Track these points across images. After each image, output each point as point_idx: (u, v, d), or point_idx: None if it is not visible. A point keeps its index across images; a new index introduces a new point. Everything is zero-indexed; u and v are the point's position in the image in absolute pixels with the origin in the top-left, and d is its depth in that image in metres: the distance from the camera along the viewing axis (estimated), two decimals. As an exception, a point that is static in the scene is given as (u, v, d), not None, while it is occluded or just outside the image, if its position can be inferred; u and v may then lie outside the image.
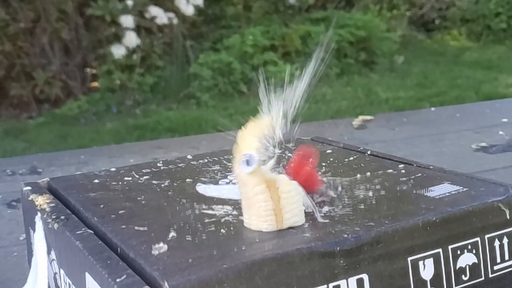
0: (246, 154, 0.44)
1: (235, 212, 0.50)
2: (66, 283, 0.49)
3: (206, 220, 0.48)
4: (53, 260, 0.53)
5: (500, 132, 1.45)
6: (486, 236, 0.48)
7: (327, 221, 0.46)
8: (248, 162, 0.44)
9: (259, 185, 0.45)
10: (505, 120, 1.62)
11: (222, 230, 0.46)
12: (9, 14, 2.33)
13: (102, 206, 0.54)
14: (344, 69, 2.76)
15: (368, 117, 1.85)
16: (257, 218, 0.46)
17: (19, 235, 0.89)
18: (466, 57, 3.23)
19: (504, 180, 0.55)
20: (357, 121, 1.81)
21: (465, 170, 0.62)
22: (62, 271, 0.50)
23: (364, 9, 3.09)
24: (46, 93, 2.39)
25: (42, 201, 0.56)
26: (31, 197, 0.58)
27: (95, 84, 2.47)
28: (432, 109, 2.07)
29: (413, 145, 1.42)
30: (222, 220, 0.48)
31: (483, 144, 1.34)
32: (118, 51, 2.35)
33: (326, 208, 0.49)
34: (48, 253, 0.54)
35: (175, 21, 2.48)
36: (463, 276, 0.46)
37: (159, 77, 2.47)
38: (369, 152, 0.68)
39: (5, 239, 0.91)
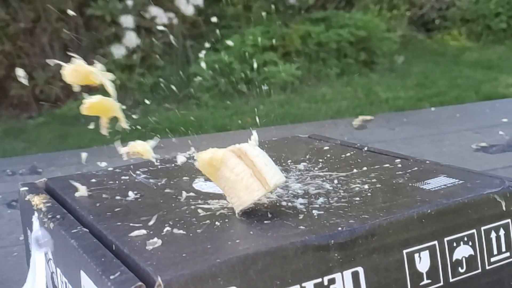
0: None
1: (230, 205, 0.50)
2: (62, 282, 0.49)
3: (201, 214, 0.48)
4: (50, 259, 0.53)
5: (500, 132, 1.45)
6: (482, 228, 0.48)
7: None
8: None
9: (231, 159, 0.46)
10: (505, 120, 1.62)
11: (216, 223, 0.46)
12: (9, 14, 2.34)
13: (98, 204, 0.54)
14: (344, 69, 2.76)
15: (368, 117, 1.85)
16: (246, 190, 0.46)
17: (19, 235, 0.89)
18: (466, 57, 3.23)
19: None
20: (357, 121, 1.81)
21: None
22: (58, 270, 0.50)
23: (364, 9, 3.08)
24: (46, 93, 2.39)
25: (38, 201, 0.56)
26: (28, 197, 0.59)
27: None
28: (432, 109, 2.07)
29: (413, 145, 1.42)
30: (217, 213, 0.48)
31: (483, 144, 1.34)
32: (118, 51, 2.35)
33: (321, 200, 0.49)
34: (45, 252, 0.54)
35: (175, 21, 2.48)
36: (459, 268, 0.46)
37: (159, 77, 2.47)
38: (366, 148, 0.68)
39: (5, 239, 0.91)
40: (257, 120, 0.64)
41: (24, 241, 0.65)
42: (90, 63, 0.55)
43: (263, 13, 2.55)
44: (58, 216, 0.51)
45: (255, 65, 2.45)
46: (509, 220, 0.49)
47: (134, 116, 0.63)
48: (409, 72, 2.86)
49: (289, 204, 0.49)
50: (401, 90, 2.48)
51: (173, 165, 0.68)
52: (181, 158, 0.63)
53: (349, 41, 2.78)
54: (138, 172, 0.65)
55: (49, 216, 0.52)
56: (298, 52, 2.70)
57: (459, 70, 2.90)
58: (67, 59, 0.55)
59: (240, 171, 0.46)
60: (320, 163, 0.63)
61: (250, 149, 0.47)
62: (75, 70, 0.52)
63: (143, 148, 0.54)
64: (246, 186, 0.46)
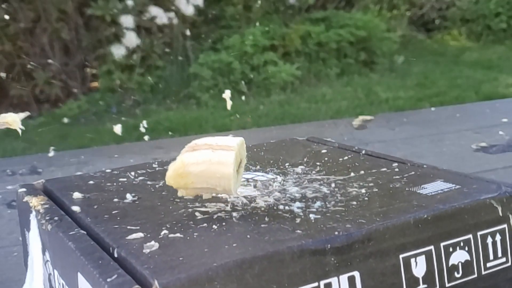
0: None
1: (228, 209, 0.50)
2: (60, 284, 0.49)
3: (199, 217, 0.48)
4: (47, 261, 0.53)
5: (500, 132, 1.45)
6: (479, 233, 0.48)
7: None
8: None
9: (189, 156, 0.48)
10: (505, 120, 1.62)
11: (214, 226, 0.46)
12: (9, 14, 2.34)
13: (95, 206, 0.54)
14: (344, 69, 2.76)
15: (368, 117, 1.85)
16: (221, 165, 0.47)
17: (19, 235, 0.89)
18: (466, 57, 3.23)
19: (503, 180, 0.54)
20: (357, 121, 1.81)
21: (465, 170, 0.62)
22: (56, 272, 0.50)
23: (364, 9, 3.09)
24: (46, 93, 2.39)
25: (36, 202, 0.57)
26: (26, 198, 0.59)
27: (95, 84, 2.47)
28: (432, 109, 2.07)
29: (413, 145, 1.42)
30: (215, 216, 0.48)
31: (483, 144, 1.34)
32: (118, 51, 2.36)
33: (318, 204, 0.49)
34: (43, 254, 0.54)
35: (175, 21, 2.48)
36: (455, 273, 0.46)
37: (159, 77, 2.47)
38: (363, 152, 0.68)
39: (5, 239, 0.92)
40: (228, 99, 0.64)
41: (22, 242, 0.65)
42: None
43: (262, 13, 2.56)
44: (55, 218, 0.51)
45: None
46: (505, 226, 0.49)
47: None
48: (409, 72, 2.86)
49: (287, 207, 0.49)
50: (401, 90, 2.48)
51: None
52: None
53: (349, 41, 2.79)
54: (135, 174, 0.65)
55: (47, 218, 0.52)
56: (298, 52, 2.70)
57: (459, 70, 2.90)
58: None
59: (203, 157, 0.47)
60: (318, 166, 0.63)
61: (196, 140, 0.49)
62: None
63: (12, 119, 0.58)
64: (218, 162, 0.46)
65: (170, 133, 1.85)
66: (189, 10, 2.50)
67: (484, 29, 3.70)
